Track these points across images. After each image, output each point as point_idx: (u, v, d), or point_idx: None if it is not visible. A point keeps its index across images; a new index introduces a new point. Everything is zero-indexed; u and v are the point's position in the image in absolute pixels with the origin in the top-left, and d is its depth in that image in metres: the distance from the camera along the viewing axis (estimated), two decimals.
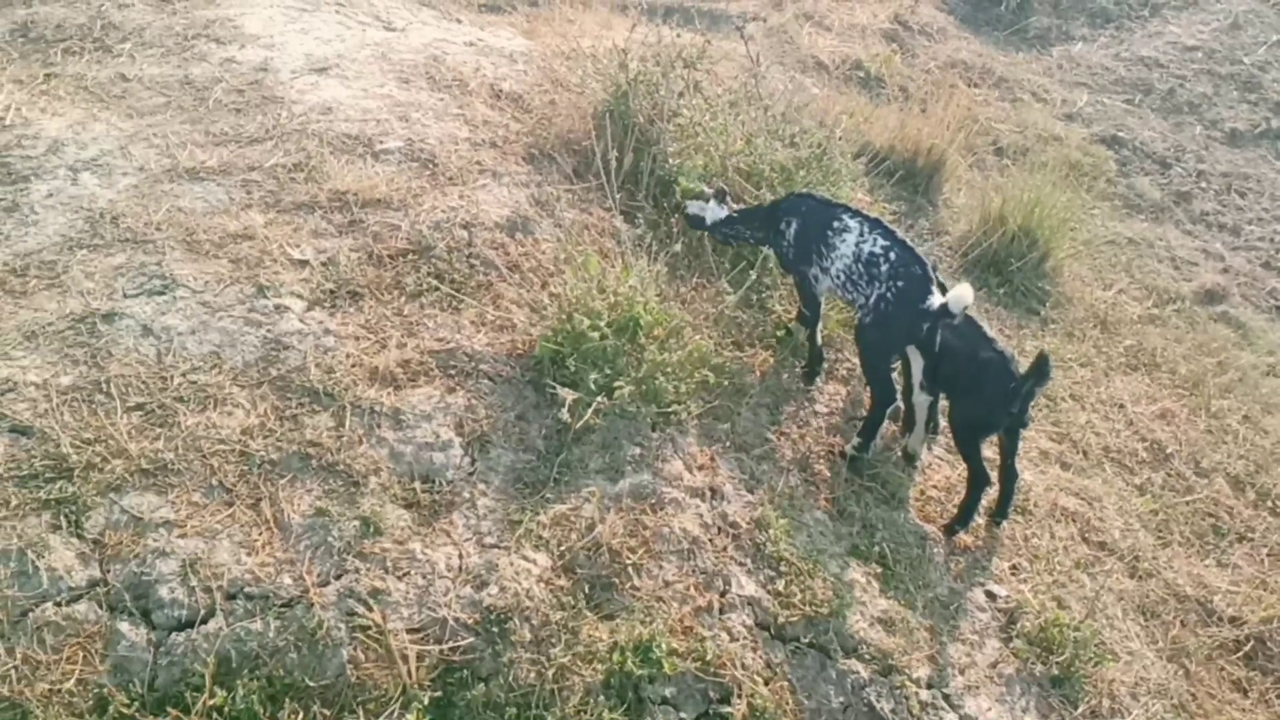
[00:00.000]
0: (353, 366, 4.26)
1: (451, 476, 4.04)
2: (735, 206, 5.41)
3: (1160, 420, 6.53)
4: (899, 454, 5.23)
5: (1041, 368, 4.54)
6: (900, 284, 4.69)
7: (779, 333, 5.48)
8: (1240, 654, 5.04)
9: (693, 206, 5.39)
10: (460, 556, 3.78)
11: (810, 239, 5.01)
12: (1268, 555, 5.67)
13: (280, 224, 4.83)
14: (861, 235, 4.84)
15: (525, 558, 3.84)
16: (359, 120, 5.61)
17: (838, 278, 4.92)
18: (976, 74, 10.54)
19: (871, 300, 4.78)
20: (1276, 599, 5.33)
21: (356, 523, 3.74)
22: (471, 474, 4.08)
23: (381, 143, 5.45)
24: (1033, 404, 4.81)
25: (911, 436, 5.20)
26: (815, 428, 5.15)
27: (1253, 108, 11.00)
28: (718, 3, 10.30)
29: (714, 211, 5.32)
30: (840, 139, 6.67)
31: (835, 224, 4.91)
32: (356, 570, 3.62)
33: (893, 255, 4.74)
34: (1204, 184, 9.72)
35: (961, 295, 4.46)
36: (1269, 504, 6.09)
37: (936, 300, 4.60)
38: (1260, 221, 9.25)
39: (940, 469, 5.33)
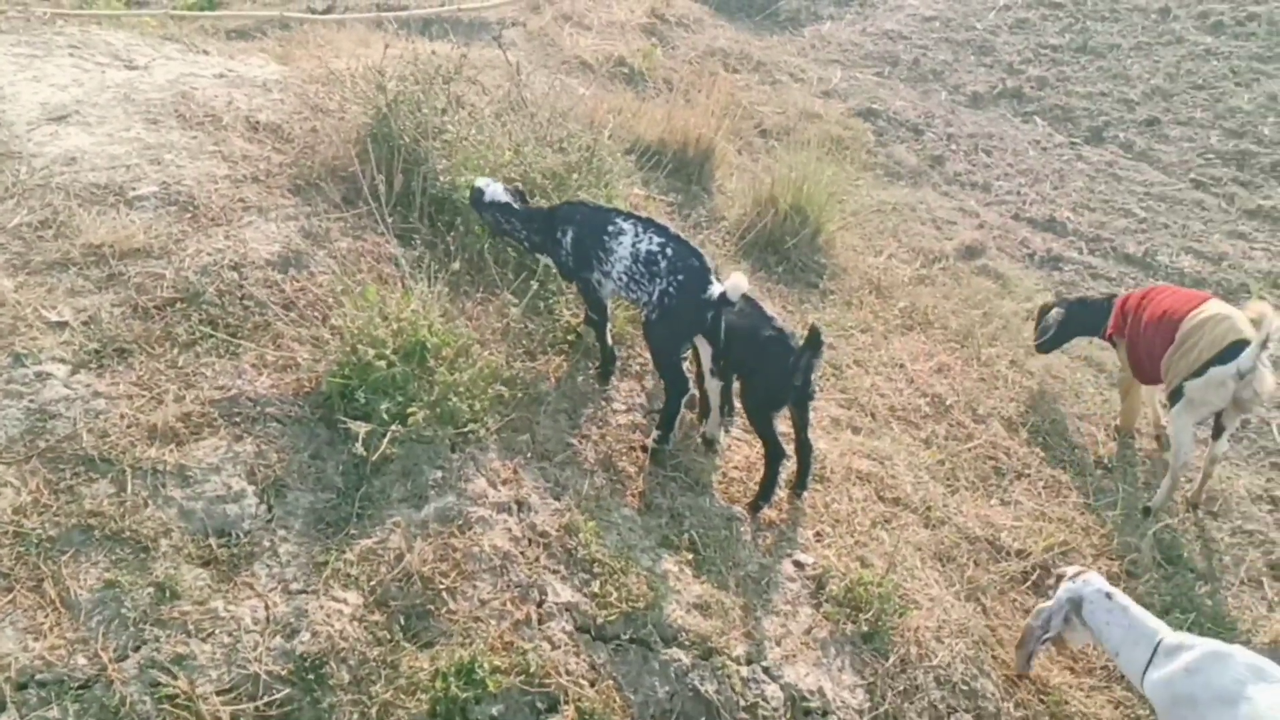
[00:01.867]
0: (129, 427, 4.08)
1: (248, 527, 3.93)
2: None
3: (938, 375, 6.92)
4: (699, 441, 5.38)
5: (814, 340, 4.76)
6: (680, 278, 4.84)
7: (569, 337, 5.54)
8: (1029, 584, 5.42)
9: (480, 181, 5.41)
10: (267, 607, 3.68)
11: (587, 246, 5.10)
12: (1043, 488, 6.10)
13: (32, 286, 4.56)
14: (637, 235, 4.97)
15: (335, 598, 3.77)
16: (107, 168, 5.35)
17: (620, 279, 5.03)
18: (735, 60, 10.88)
19: (655, 297, 4.91)
20: (1055, 528, 5.75)
21: (150, 590, 3.59)
22: (269, 521, 3.98)
23: (134, 189, 5.22)
24: (815, 375, 5.02)
25: (709, 422, 5.36)
26: (615, 426, 5.24)
27: (989, 70, 11.75)
28: (476, 11, 10.28)
29: (496, 191, 5.33)
30: (609, 138, 6.79)
31: (610, 228, 5.03)
32: (156, 639, 3.48)
33: (669, 251, 4.89)
34: (954, 146, 10.34)
35: (737, 283, 4.69)
36: (1040, 440, 6.55)
37: (716, 289, 4.78)
38: (1006, 177, 9.90)
39: (739, 450, 5.50)
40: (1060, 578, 4.61)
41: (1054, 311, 6.84)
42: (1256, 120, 10.62)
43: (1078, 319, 6.83)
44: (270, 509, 4.02)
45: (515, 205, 5.35)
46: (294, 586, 3.78)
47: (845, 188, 8.69)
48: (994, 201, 9.56)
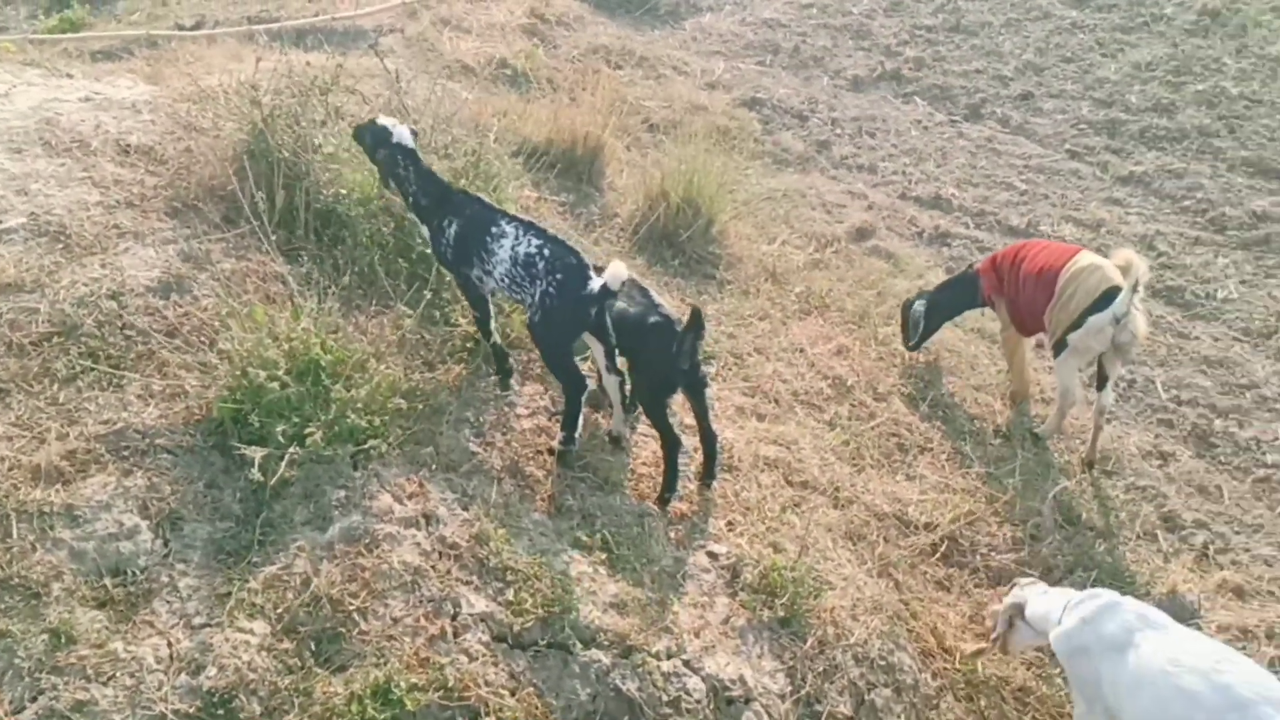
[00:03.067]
0: (10, 470, 3.91)
1: (145, 563, 3.80)
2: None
3: (838, 356, 7.01)
4: (605, 440, 5.36)
5: (696, 321, 4.81)
6: (559, 276, 4.85)
7: (468, 345, 5.47)
8: (938, 555, 5.52)
9: (384, 119, 5.31)
10: (169, 645, 3.57)
11: (470, 242, 5.07)
12: (946, 461, 6.22)
13: None
14: (516, 239, 4.96)
15: (241, 629, 3.67)
16: None
17: (502, 281, 5.02)
18: (618, 56, 10.87)
19: (537, 297, 4.91)
20: (960, 499, 5.87)
21: (44, 637, 3.46)
22: (166, 556, 3.85)
23: (1, 222, 5.01)
24: (702, 360, 5.06)
25: (613, 420, 5.35)
26: (520, 431, 5.19)
27: (867, 54, 11.94)
28: (351, 20, 10.09)
29: (403, 134, 5.24)
30: (495, 141, 6.73)
31: (494, 229, 5.00)
32: (54, 687, 3.35)
33: (546, 252, 4.89)
34: (839, 131, 10.48)
35: (616, 271, 4.70)
36: (940, 414, 6.68)
37: (596, 284, 4.80)
38: (891, 157, 10.08)
39: (648, 445, 5.50)
40: (1013, 585, 4.81)
41: (917, 305, 6.99)
42: (1123, 89, 10.98)
43: (945, 304, 7.04)
44: (167, 543, 3.90)
45: (420, 156, 5.29)
46: (197, 621, 3.67)
47: (735, 177, 8.75)
48: (881, 183, 9.72)
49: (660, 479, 5.15)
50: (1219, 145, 9.96)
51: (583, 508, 4.84)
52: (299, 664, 3.64)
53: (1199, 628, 5.16)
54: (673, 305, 5.50)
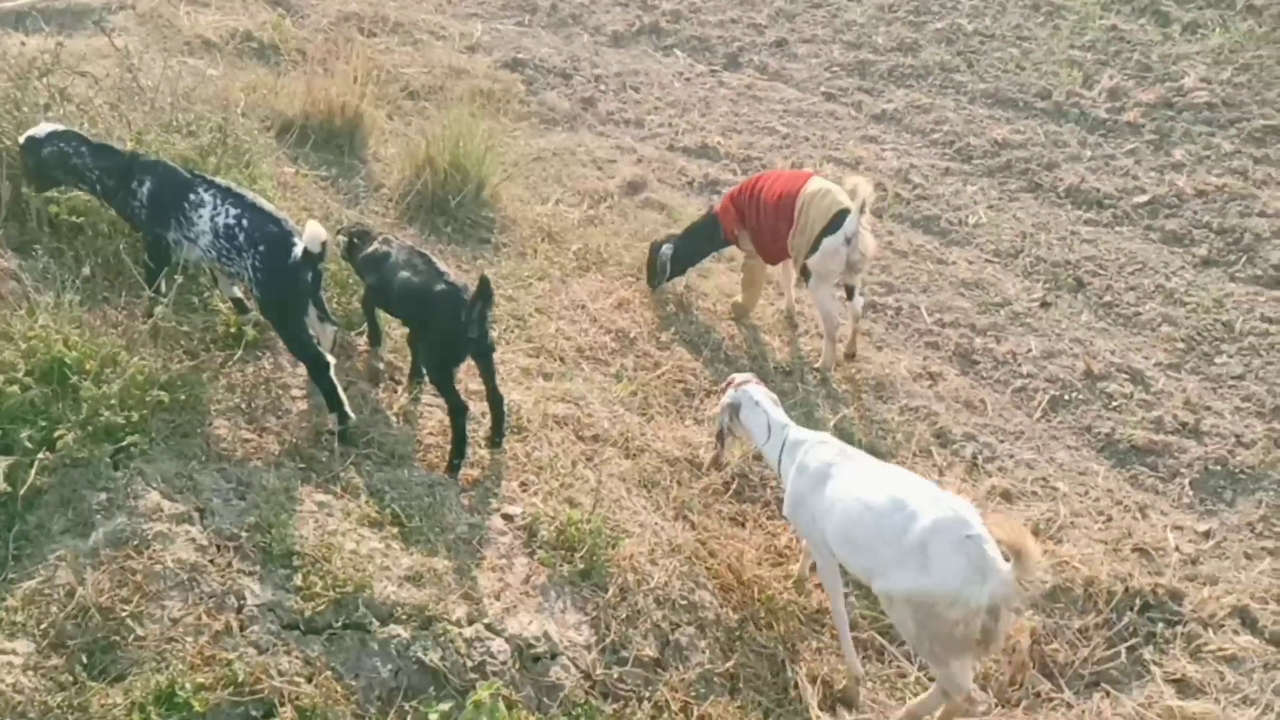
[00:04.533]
0: None
1: None
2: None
3: (619, 310, 7.06)
4: (390, 415, 5.23)
5: (484, 290, 4.75)
6: (261, 248, 4.69)
7: (231, 330, 5.22)
8: (730, 493, 5.65)
9: (29, 131, 4.96)
10: None
11: (166, 205, 4.84)
12: None
13: None
14: (215, 209, 4.77)
15: (2, 651, 3.40)
16: None
17: (209, 252, 4.83)
18: (371, 23, 10.54)
19: (248, 271, 4.74)
20: None
21: None
22: None
23: None
24: (490, 326, 5.00)
25: (323, 341, 5.12)
26: (296, 413, 5.01)
27: (625, 10, 12.00)
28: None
29: (45, 127, 4.93)
30: (244, 116, 6.42)
31: (192, 196, 4.80)
32: None
33: (245, 222, 4.73)
34: (603, 87, 10.50)
35: (313, 232, 4.59)
36: (722, 356, 6.83)
37: (299, 250, 4.65)
38: (657, 110, 10.18)
39: (434, 415, 5.41)
40: (730, 384, 5.24)
41: (664, 249, 7.14)
42: (870, 31, 11.44)
43: (690, 247, 7.24)
44: None
45: (85, 135, 4.98)
46: None
47: (503, 140, 8.65)
48: (648, 136, 9.80)
49: (449, 447, 5.07)
50: (960, 80, 10.52)
51: (370, 484, 4.71)
52: (71, 679, 3.41)
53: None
54: (456, 272, 5.39)
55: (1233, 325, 7.29)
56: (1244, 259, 7.93)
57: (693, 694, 4.34)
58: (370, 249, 5.41)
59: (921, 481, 4.41)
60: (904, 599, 4.15)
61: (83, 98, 5.89)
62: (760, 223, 6.72)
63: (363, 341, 5.69)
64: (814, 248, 6.32)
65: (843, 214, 6.21)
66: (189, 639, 3.61)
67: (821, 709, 4.57)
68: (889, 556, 4.18)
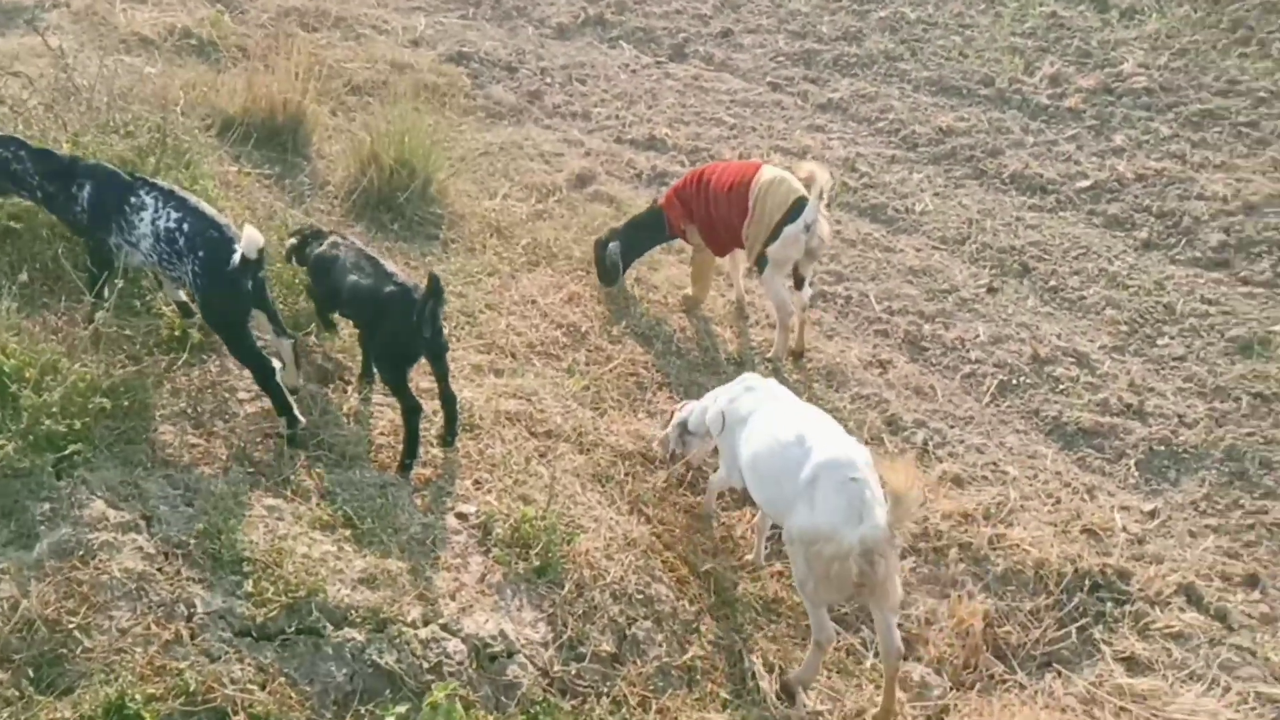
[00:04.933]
0: None
1: None
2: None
3: (570, 305, 7.03)
4: (340, 417, 5.18)
5: (435, 288, 4.72)
6: (201, 254, 4.62)
7: (176, 333, 5.14)
8: (684, 485, 5.66)
9: None
10: None
11: (108, 209, 4.76)
12: (684, 393, 6.34)
13: None
14: (156, 212, 4.69)
15: None
16: None
17: (150, 256, 4.76)
18: (313, 18, 10.41)
19: (190, 277, 4.67)
20: None
21: None
22: None
23: None
24: (443, 324, 4.97)
25: (285, 374, 5.03)
26: (244, 416, 4.94)
27: (570, 1, 11.93)
28: None
29: None
30: (183, 115, 6.32)
31: (133, 200, 4.72)
32: None
33: (186, 226, 4.65)
34: (549, 80, 10.45)
35: (251, 238, 4.52)
36: (674, 349, 6.83)
37: (238, 257, 4.58)
38: (603, 103, 10.14)
39: (385, 415, 5.36)
40: (674, 413, 5.61)
41: (611, 248, 7.11)
42: (815, 20, 11.49)
43: (636, 240, 7.22)
44: None
45: (24, 140, 4.90)
46: None
47: (449, 135, 8.58)
48: (596, 128, 9.76)
49: (400, 448, 5.03)
50: (904, 68, 10.60)
51: (321, 486, 4.67)
52: (18, 694, 3.35)
53: (926, 518, 5.54)
54: (405, 272, 5.34)
55: (1174, 307, 7.43)
56: (1183, 241, 8.07)
57: (651, 687, 4.35)
58: (319, 251, 5.35)
59: (830, 425, 4.71)
60: (798, 536, 4.40)
61: (16, 99, 5.77)
62: (712, 214, 6.72)
63: (313, 340, 5.63)
64: (774, 236, 6.34)
65: (801, 201, 6.26)
66: (138, 649, 3.56)
67: (779, 698, 4.60)
68: (789, 491, 4.46)
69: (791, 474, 4.44)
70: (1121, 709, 4.59)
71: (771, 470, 4.63)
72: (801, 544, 4.38)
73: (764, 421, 4.81)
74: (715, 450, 5.37)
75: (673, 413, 5.56)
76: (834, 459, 4.35)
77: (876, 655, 4.91)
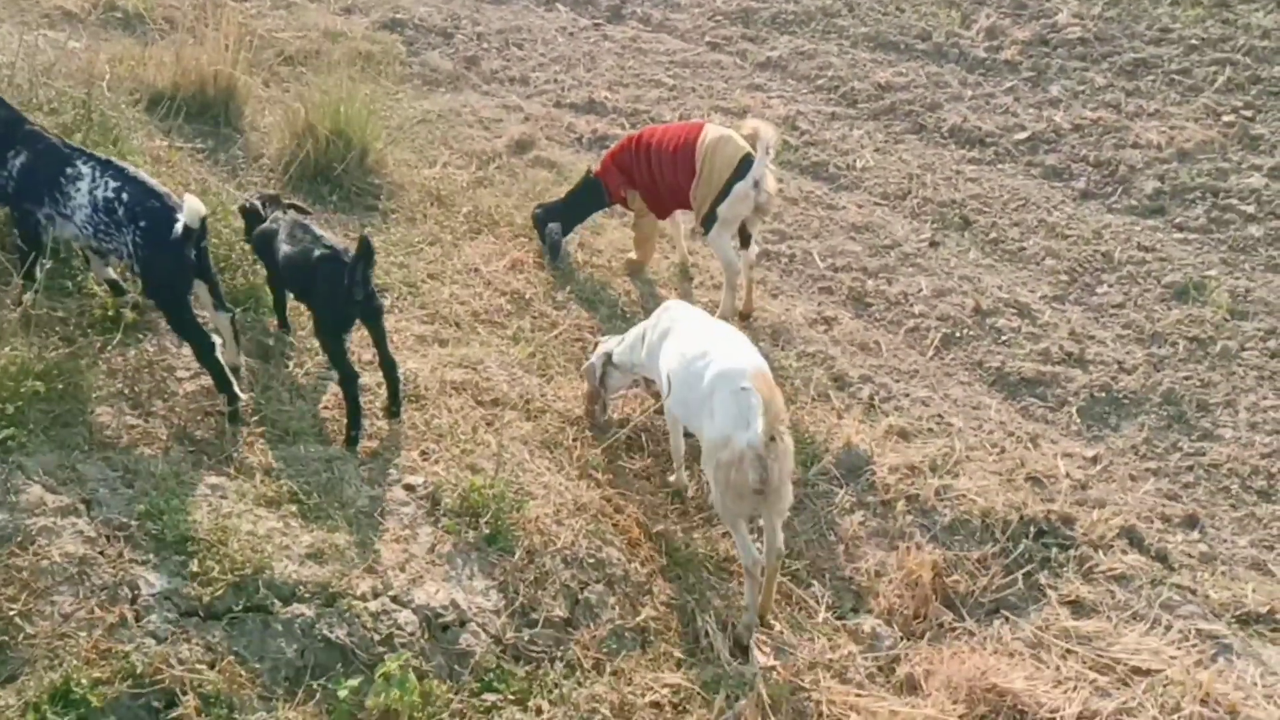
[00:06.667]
0: None
1: None
2: None
3: (513, 272, 6.99)
4: (281, 392, 5.13)
5: (365, 249, 4.70)
6: (143, 224, 4.53)
7: (109, 313, 5.04)
8: (634, 448, 5.66)
9: None
10: None
11: (40, 180, 4.65)
12: None
13: None
14: (94, 181, 4.59)
15: None
16: None
17: (86, 229, 4.65)
18: None
19: (130, 248, 4.57)
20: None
21: None
22: None
23: None
24: (375, 286, 4.93)
25: (225, 351, 4.92)
26: (184, 395, 4.87)
27: None
28: None
29: None
30: (110, 90, 6.17)
31: (69, 170, 4.61)
32: None
33: (125, 196, 4.56)
34: (486, 45, 10.33)
35: (192, 207, 4.45)
36: (618, 312, 6.81)
37: (179, 226, 4.49)
38: (541, 67, 10.05)
39: (328, 388, 5.32)
40: (596, 345, 5.81)
41: (552, 226, 7.10)
42: None
43: (573, 213, 7.22)
44: None
45: None
46: None
47: (385, 103, 8.47)
48: (534, 93, 9.68)
49: (345, 421, 4.99)
50: (842, 24, 10.60)
51: (265, 463, 4.63)
52: None
53: (872, 474, 5.60)
54: (339, 238, 5.27)
55: (1111, 255, 7.53)
56: (1120, 190, 8.18)
57: (604, 650, 4.37)
58: (259, 229, 5.28)
59: (734, 339, 4.91)
60: (709, 450, 4.60)
61: None
62: (655, 177, 6.68)
63: (252, 315, 5.56)
64: (723, 195, 6.29)
65: (748, 158, 6.22)
66: (82, 634, 3.51)
67: (733, 655, 4.63)
68: (696, 403, 4.71)
69: (694, 385, 4.70)
70: (1068, 651, 4.67)
71: (681, 386, 4.86)
72: (713, 461, 4.55)
73: (676, 339, 5.05)
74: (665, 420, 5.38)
75: (596, 344, 5.69)
76: (727, 369, 4.56)
77: (828, 609, 4.97)
